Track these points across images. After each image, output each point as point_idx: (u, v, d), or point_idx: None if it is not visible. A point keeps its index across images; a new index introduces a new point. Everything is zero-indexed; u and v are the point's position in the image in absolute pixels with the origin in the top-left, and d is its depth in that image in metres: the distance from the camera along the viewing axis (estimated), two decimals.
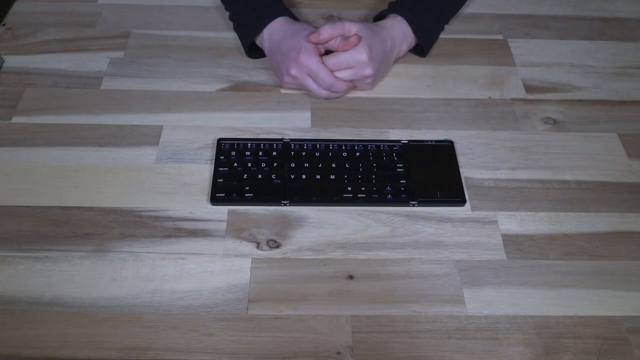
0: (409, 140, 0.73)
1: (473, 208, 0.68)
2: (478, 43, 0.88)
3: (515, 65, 0.85)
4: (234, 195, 0.67)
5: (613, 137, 0.76)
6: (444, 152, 0.72)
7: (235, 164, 0.69)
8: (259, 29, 0.78)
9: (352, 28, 0.74)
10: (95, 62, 0.82)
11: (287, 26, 0.77)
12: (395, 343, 0.57)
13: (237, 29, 0.83)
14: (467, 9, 0.92)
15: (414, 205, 0.68)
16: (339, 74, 0.74)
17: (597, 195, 0.70)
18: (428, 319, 0.59)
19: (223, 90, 0.80)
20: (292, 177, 0.69)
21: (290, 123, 0.76)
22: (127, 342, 0.56)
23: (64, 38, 0.86)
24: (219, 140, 0.72)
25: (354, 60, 0.73)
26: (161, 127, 0.74)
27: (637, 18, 0.94)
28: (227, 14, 0.84)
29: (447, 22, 0.86)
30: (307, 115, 0.77)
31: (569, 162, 0.73)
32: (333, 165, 0.70)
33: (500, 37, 0.89)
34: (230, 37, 0.86)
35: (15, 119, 0.74)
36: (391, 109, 0.78)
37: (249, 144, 0.71)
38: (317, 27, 0.75)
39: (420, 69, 0.83)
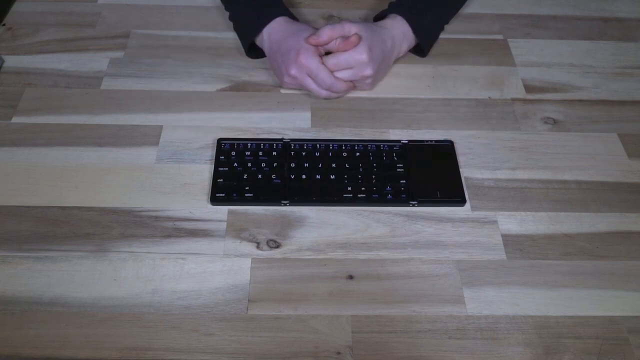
0: (409, 140, 0.73)
1: (473, 208, 0.68)
2: (478, 43, 0.88)
3: (515, 65, 0.85)
4: (234, 195, 0.67)
5: (613, 137, 0.76)
6: (444, 152, 0.72)
7: (235, 164, 0.69)
8: (259, 29, 0.78)
9: (351, 29, 0.74)
10: (95, 62, 0.82)
11: (287, 26, 0.77)
12: (395, 343, 0.57)
13: (237, 29, 0.83)
14: (467, 9, 0.92)
15: (414, 205, 0.68)
16: (339, 74, 0.74)
17: (597, 195, 0.70)
18: (428, 319, 0.59)
19: (223, 90, 0.80)
20: (292, 177, 0.69)
21: (290, 123, 0.76)
22: (127, 342, 0.56)
23: (64, 38, 0.86)
24: (219, 140, 0.72)
25: (354, 60, 0.73)
26: (161, 127, 0.74)
27: (637, 18, 0.94)
28: (227, 14, 0.84)
29: (447, 22, 0.86)
30: (307, 115, 0.77)
31: (569, 162, 0.73)
32: (333, 165, 0.70)
33: (500, 37, 0.89)
34: (230, 37, 0.86)
35: (15, 119, 0.74)
36: (391, 109, 0.78)
37: (249, 144, 0.71)
38: (316, 27, 0.75)
39: (420, 69, 0.83)
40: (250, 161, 0.70)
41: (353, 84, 0.77)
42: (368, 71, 0.74)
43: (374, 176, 0.69)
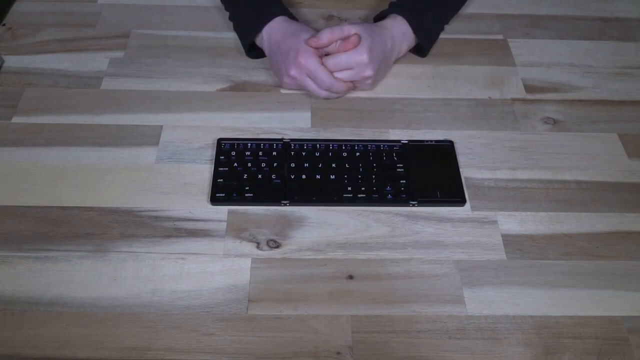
0: (409, 140, 0.73)
1: (473, 208, 0.68)
2: (478, 43, 0.88)
3: (515, 65, 0.85)
4: (234, 195, 0.67)
5: (613, 137, 0.76)
6: (444, 152, 0.72)
7: (235, 164, 0.69)
8: (258, 29, 0.78)
9: (351, 30, 0.74)
10: (95, 62, 0.82)
11: (286, 26, 0.77)
12: (395, 343, 0.57)
13: (236, 29, 0.83)
14: (467, 9, 0.92)
15: (414, 205, 0.68)
16: (339, 75, 0.74)
17: (597, 195, 0.70)
18: (428, 319, 0.59)
19: (223, 90, 0.80)
20: (292, 177, 0.69)
21: (290, 123, 0.76)
22: (127, 342, 0.56)
23: (64, 38, 0.86)
24: (219, 140, 0.72)
25: (354, 61, 0.73)
26: (161, 127, 0.74)
27: (637, 18, 0.94)
28: (227, 14, 0.84)
29: (447, 22, 0.86)
30: (307, 115, 0.77)
31: (569, 162, 0.73)
32: (333, 165, 0.70)
33: (500, 37, 0.89)
34: (230, 37, 0.86)
35: (15, 119, 0.74)
36: (391, 109, 0.78)
37: (249, 144, 0.71)
38: (316, 27, 0.75)
39: (420, 69, 0.83)
40: (250, 161, 0.70)
41: (353, 85, 0.77)
42: (368, 72, 0.74)
43: (374, 176, 0.69)
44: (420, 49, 0.83)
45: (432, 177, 0.70)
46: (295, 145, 0.71)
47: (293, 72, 0.74)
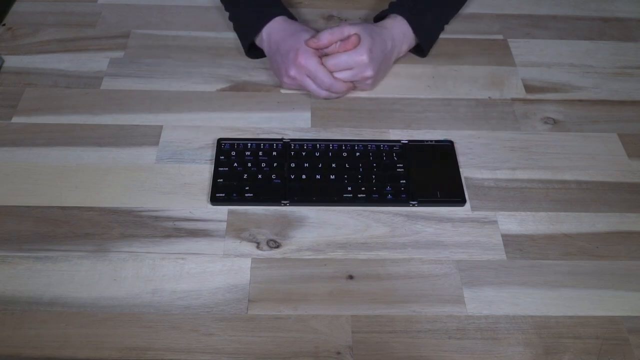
0: (409, 140, 0.73)
1: (473, 208, 0.68)
2: (478, 43, 0.88)
3: (515, 65, 0.85)
4: (234, 195, 0.67)
5: (613, 137, 0.76)
6: (444, 152, 0.72)
7: (235, 164, 0.69)
8: (258, 29, 0.78)
9: (351, 31, 0.74)
10: (95, 62, 0.82)
11: (286, 26, 0.77)
12: (395, 343, 0.57)
13: (236, 29, 0.83)
14: (467, 9, 0.92)
15: (414, 205, 0.68)
16: (339, 75, 0.74)
17: (597, 195, 0.70)
18: (428, 319, 0.59)
19: (223, 90, 0.80)
20: (292, 177, 0.69)
21: (290, 123, 0.76)
22: (127, 342, 0.56)
23: (64, 38, 0.86)
24: (219, 140, 0.72)
25: (354, 61, 0.73)
26: (161, 127, 0.74)
27: (637, 18, 0.94)
28: (227, 14, 0.84)
29: (447, 22, 0.86)
30: (307, 115, 0.77)
31: (569, 162, 0.73)
32: (333, 165, 0.70)
33: (500, 37, 0.89)
34: (230, 37, 0.86)
35: (15, 119, 0.74)
36: (391, 109, 0.78)
37: (249, 144, 0.71)
38: (316, 27, 0.75)
39: (420, 69, 0.83)
40: (250, 161, 0.70)
41: (353, 85, 0.77)
42: (368, 72, 0.74)
43: (374, 176, 0.69)
44: (420, 49, 0.83)
45: (432, 177, 0.70)
46: (295, 145, 0.71)
47: (293, 73, 0.74)
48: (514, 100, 0.80)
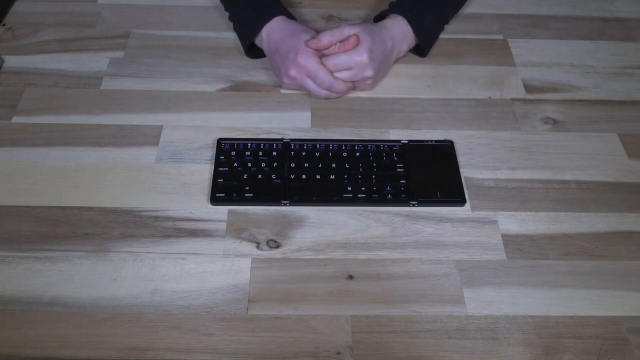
0: (409, 140, 0.73)
1: (473, 208, 0.68)
2: (478, 43, 0.88)
3: (515, 65, 0.85)
4: (234, 195, 0.67)
5: (613, 137, 0.76)
6: (444, 152, 0.72)
7: (235, 164, 0.69)
8: (258, 29, 0.78)
9: (351, 32, 0.74)
10: (95, 62, 0.82)
11: (285, 25, 0.77)
12: (395, 343, 0.57)
13: (236, 29, 0.83)
14: (467, 9, 0.92)
15: (414, 205, 0.68)
16: (339, 75, 0.74)
17: (597, 195, 0.70)
18: (428, 319, 0.59)
19: (223, 90, 0.80)
20: (292, 177, 0.69)
21: (290, 123, 0.76)
22: (127, 342, 0.56)
23: (64, 38, 0.86)
24: (219, 140, 0.72)
25: (354, 61, 0.73)
26: (161, 127, 0.74)
27: (637, 18, 0.94)
28: (227, 14, 0.84)
29: (447, 22, 0.86)
30: (307, 115, 0.77)
31: (569, 162, 0.73)
32: (333, 165, 0.70)
33: (500, 37, 0.89)
34: (230, 37, 0.86)
35: (15, 119, 0.74)
36: (391, 109, 0.78)
37: (249, 144, 0.71)
38: (315, 27, 0.75)
39: (420, 69, 0.83)
40: (250, 161, 0.70)
41: (353, 84, 0.77)
42: (368, 72, 0.74)
43: (374, 176, 0.69)
44: (420, 49, 0.83)
45: (432, 177, 0.70)
46: (295, 145, 0.71)
47: (293, 73, 0.74)
48: (514, 100, 0.80)
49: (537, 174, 0.71)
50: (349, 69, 0.74)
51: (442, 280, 0.62)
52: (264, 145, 0.71)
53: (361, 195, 0.67)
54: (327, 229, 0.65)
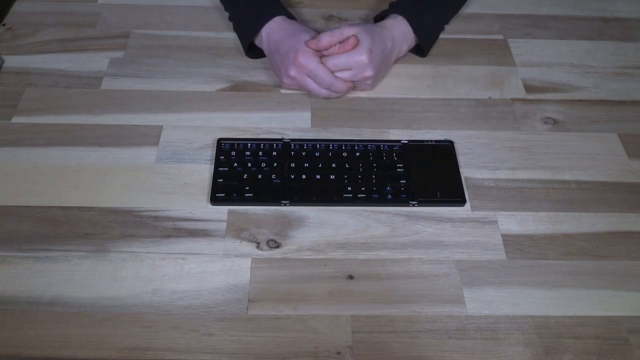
0: (409, 140, 0.73)
1: (473, 208, 0.68)
2: (478, 43, 0.88)
3: (515, 65, 0.85)
4: (234, 195, 0.67)
5: (613, 137, 0.76)
6: (444, 152, 0.72)
7: (235, 164, 0.69)
8: (257, 29, 0.78)
9: (350, 32, 0.74)
10: (95, 62, 0.82)
11: (285, 25, 0.77)
12: (395, 343, 0.57)
13: (236, 29, 0.83)
14: (467, 9, 0.92)
15: (414, 205, 0.68)
16: (339, 75, 0.74)
17: (597, 195, 0.70)
18: (428, 319, 0.59)
19: (223, 90, 0.80)
20: (292, 177, 0.69)
21: (290, 123, 0.76)
22: (127, 342, 0.56)
23: (64, 38, 0.86)
24: (219, 140, 0.72)
25: (354, 61, 0.73)
26: (161, 127, 0.74)
27: (637, 18, 0.94)
28: (227, 14, 0.84)
29: (447, 22, 0.86)
30: (307, 115, 0.77)
31: (569, 162, 0.73)
32: (333, 165, 0.70)
33: (500, 37, 0.89)
34: (230, 37, 0.86)
35: (15, 119, 0.74)
36: (391, 109, 0.78)
37: (249, 144, 0.71)
38: (315, 27, 0.75)
39: (420, 69, 0.83)
40: (250, 161, 0.70)
41: (353, 84, 0.77)
42: (368, 72, 0.74)
43: (374, 176, 0.69)
44: (421, 49, 0.83)
45: (432, 177, 0.70)
46: (295, 145, 0.71)
47: (293, 73, 0.74)
48: (514, 100, 0.80)
49: (537, 174, 0.71)
50: (349, 69, 0.74)
51: (442, 280, 0.62)
52: (264, 145, 0.71)
53: (361, 195, 0.67)
54: (327, 229, 0.65)
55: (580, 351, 0.57)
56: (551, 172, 0.72)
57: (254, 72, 0.82)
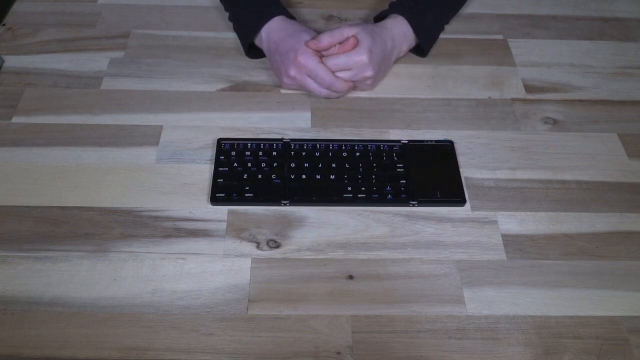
0: (409, 140, 0.73)
1: (473, 208, 0.68)
2: (478, 43, 0.88)
3: (515, 65, 0.85)
4: (234, 195, 0.67)
5: (613, 137, 0.76)
6: (444, 152, 0.72)
7: (235, 164, 0.69)
8: (257, 29, 0.78)
9: (350, 33, 0.74)
10: (95, 62, 0.82)
11: (285, 25, 0.77)
12: (395, 343, 0.57)
13: (236, 29, 0.83)
14: (467, 9, 0.92)
15: (414, 205, 0.68)
16: (339, 75, 0.74)
17: (597, 195, 0.70)
18: (428, 319, 0.59)
19: (223, 90, 0.80)
20: (292, 177, 0.69)
21: (290, 123, 0.76)
22: (127, 342, 0.56)
23: (64, 38, 0.86)
24: (219, 140, 0.72)
25: (354, 61, 0.73)
26: (161, 127, 0.74)
27: (637, 18, 0.94)
28: (227, 14, 0.84)
29: (447, 22, 0.86)
30: (307, 115, 0.77)
31: (569, 162, 0.73)
32: (333, 165, 0.70)
33: (500, 37, 0.89)
34: (230, 37, 0.86)
35: (15, 119, 0.74)
36: (391, 109, 0.78)
37: (249, 144, 0.71)
38: (315, 27, 0.75)
39: (420, 69, 0.83)
40: (250, 161, 0.70)
41: (353, 84, 0.77)
42: (368, 72, 0.74)
43: (374, 176, 0.69)
44: (421, 49, 0.83)
45: (432, 177, 0.70)
46: (295, 145, 0.71)
47: (293, 73, 0.74)
48: (514, 100, 0.80)
49: (537, 174, 0.71)
50: (349, 69, 0.74)
51: (442, 280, 0.62)
52: (264, 145, 0.71)
53: (361, 195, 0.67)
54: (327, 229, 0.65)
55: (580, 351, 0.57)
56: (551, 172, 0.72)
57: (254, 72, 0.82)
